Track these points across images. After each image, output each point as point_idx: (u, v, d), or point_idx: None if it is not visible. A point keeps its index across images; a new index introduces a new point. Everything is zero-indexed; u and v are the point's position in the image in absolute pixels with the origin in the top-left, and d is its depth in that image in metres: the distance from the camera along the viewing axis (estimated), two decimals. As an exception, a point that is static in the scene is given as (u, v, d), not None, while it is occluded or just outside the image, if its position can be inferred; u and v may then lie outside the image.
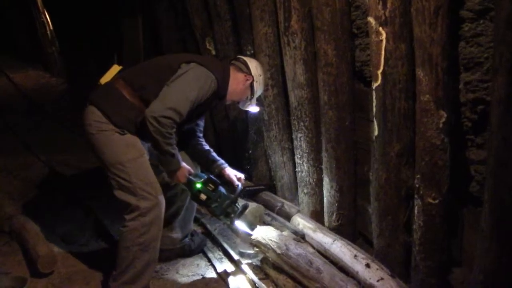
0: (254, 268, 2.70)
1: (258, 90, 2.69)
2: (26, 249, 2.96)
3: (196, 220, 3.29)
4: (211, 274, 2.77)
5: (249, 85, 2.64)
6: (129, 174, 2.34)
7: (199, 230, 3.21)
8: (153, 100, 2.33)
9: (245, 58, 2.70)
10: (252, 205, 2.93)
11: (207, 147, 2.84)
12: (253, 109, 2.82)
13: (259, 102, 2.89)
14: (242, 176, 2.82)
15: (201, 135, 2.87)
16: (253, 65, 2.65)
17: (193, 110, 2.41)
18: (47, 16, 8.66)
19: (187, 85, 2.38)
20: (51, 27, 8.68)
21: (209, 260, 2.86)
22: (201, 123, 2.85)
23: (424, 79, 1.87)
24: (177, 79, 2.39)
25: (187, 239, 2.94)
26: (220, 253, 2.91)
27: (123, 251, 2.39)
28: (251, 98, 2.69)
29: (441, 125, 1.89)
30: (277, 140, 3.07)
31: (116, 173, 2.35)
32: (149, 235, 2.39)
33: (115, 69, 2.58)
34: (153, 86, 2.38)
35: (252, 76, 2.62)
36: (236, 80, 2.59)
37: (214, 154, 2.83)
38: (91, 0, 5.62)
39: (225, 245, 2.88)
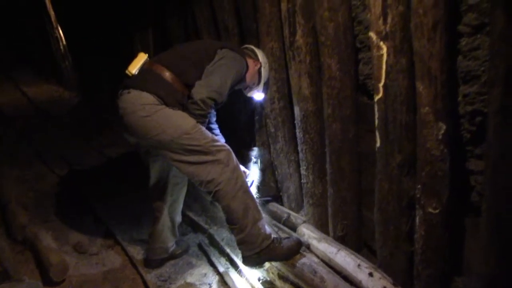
0: (260, 277, 2.74)
1: (265, 76, 2.93)
2: (39, 257, 3.03)
3: (204, 231, 3.36)
4: (218, 283, 2.81)
5: (257, 70, 2.88)
6: (197, 138, 2.47)
7: (206, 240, 3.26)
8: (195, 84, 2.53)
9: (252, 47, 2.95)
10: None
11: (220, 135, 3.01)
12: (258, 95, 3.06)
13: (265, 90, 3.04)
14: (247, 171, 3.04)
15: (214, 119, 3.05)
16: (260, 53, 2.91)
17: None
18: (60, 31, 8.83)
19: (227, 69, 2.62)
20: (64, 42, 8.85)
21: (216, 270, 2.91)
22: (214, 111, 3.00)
23: (424, 92, 1.92)
24: (216, 64, 2.61)
25: (175, 246, 3.11)
26: (227, 263, 2.96)
27: (232, 204, 2.53)
28: (258, 83, 2.93)
29: (440, 137, 1.93)
30: (283, 152, 3.13)
31: (185, 143, 2.45)
32: (241, 176, 2.60)
33: (142, 57, 2.69)
34: (194, 71, 2.57)
35: (260, 63, 2.87)
36: (249, 64, 2.82)
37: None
38: (105, 15, 5.76)
39: (232, 255, 2.92)
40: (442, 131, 1.92)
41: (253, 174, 3.31)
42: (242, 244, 2.60)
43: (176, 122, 2.46)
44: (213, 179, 2.50)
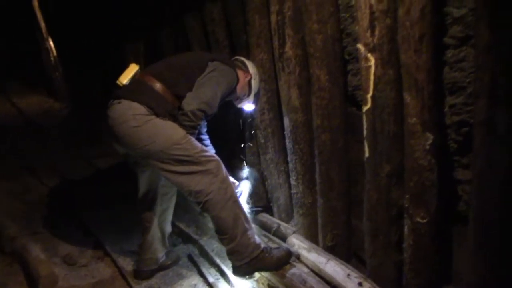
0: (250, 288, 2.75)
1: (255, 87, 2.95)
2: (27, 269, 3.00)
3: (194, 242, 3.35)
4: (208, 294, 2.81)
5: (248, 82, 2.90)
6: (187, 148, 2.47)
7: (196, 251, 3.26)
8: (185, 95, 2.53)
9: (242, 58, 2.97)
10: None
11: (211, 147, 3.03)
12: (249, 106, 3.09)
13: (255, 101, 3.06)
14: (237, 182, 3.04)
15: (205, 129, 3.06)
16: (250, 65, 2.94)
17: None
18: (51, 42, 8.82)
19: (217, 81, 2.63)
20: (55, 53, 8.83)
21: (206, 281, 2.89)
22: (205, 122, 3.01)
23: (411, 103, 1.95)
24: (207, 76, 2.62)
25: (165, 257, 3.08)
26: (217, 273, 2.95)
27: (222, 214, 2.54)
28: (249, 94, 2.95)
29: (427, 147, 1.97)
30: (273, 162, 3.14)
31: (175, 153, 2.45)
32: (230, 186, 2.60)
33: (133, 68, 2.71)
34: (185, 83, 2.58)
35: (250, 74, 2.89)
36: (239, 76, 2.84)
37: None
38: (96, 27, 5.78)
39: (222, 266, 2.91)
40: (430, 141, 1.95)
41: (242, 185, 3.31)
42: (232, 254, 2.61)
43: (167, 132, 2.46)
44: (202, 189, 2.50)
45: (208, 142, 3.04)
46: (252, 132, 3.27)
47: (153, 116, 2.47)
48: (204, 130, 3.04)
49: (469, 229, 1.84)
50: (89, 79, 6.96)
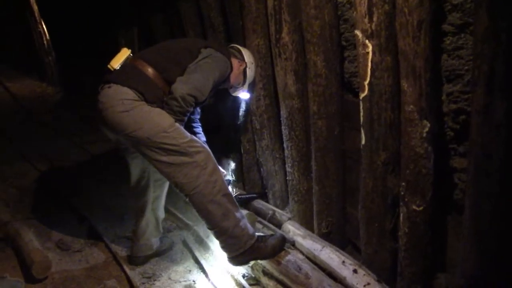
0: (245, 274, 2.75)
1: (250, 76, 2.93)
2: (21, 255, 2.99)
3: (189, 228, 3.35)
4: (202, 280, 2.81)
5: (243, 71, 2.88)
6: (174, 137, 2.42)
7: (190, 237, 3.26)
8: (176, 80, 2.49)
9: (239, 46, 2.93)
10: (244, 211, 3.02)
11: (201, 134, 3.02)
12: (244, 95, 3.08)
13: (250, 89, 3.03)
14: (225, 172, 3.02)
15: (198, 117, 3.05)
16: (247, 53, 2.90)
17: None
18: (44, 26, 8.73)
19: (209, 68, 2.59)
20: (48, 37, 8.74)
21: (201, 266, 2.90)
22: (199, 109, 3.01)
23: (408, 90, 1.94)
24: (199, 63, 2.58)
25: (159, 242, 3.09)
26: (212, 259, 2.96)
27: (209, 207, 2.50)
28: (243, 83, 2.93)
29: (424, 135, 1.95)
30: (268, 149, 3.13)
31: (161, 142, 2.40)
32: (219, 179, 2.54)
33: (125, 52, 2.65)
34: (176, 69, 2.55)
35: (245, 63, 2.86)
36: (233, 65, 2.80)
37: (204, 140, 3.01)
38: (89, 12, 5.71)
39: (217, 252, 2.92)
40: (426, 129, 1.94)
41: (231, 173, 3.30)
42: (224, 247, 2.59)
43: (154, 119, 2.41)
44: (189, 182, 2.46)
45: (199, 129, 3.01)
46: (248, 118, 3.25)
47: (142, 102, 2.43)
48: (197, 117, 3.02)
49: (464, 217, 1.84)
50: (82, 64, 6.91)
